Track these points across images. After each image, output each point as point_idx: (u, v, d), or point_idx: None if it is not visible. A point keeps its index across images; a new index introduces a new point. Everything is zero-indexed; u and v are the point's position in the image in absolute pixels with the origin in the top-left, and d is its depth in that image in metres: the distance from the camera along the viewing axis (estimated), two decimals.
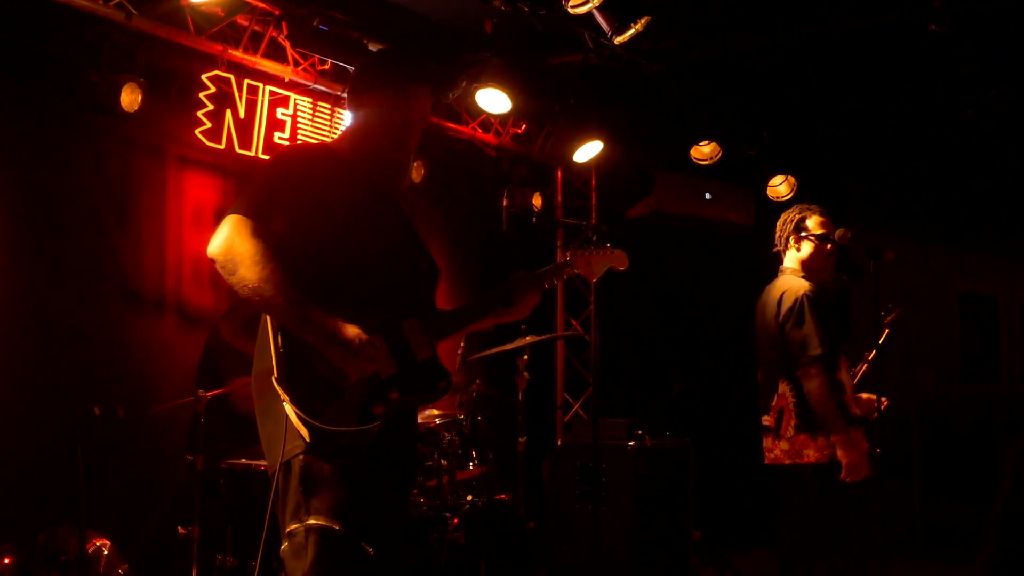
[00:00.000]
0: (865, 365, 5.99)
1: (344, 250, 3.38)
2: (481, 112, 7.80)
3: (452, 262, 8.09)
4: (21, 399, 5.60)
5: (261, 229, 3.23)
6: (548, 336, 7.97)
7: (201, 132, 6.42)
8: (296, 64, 6.86)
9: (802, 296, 5.34)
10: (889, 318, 5.92)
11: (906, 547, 9.63)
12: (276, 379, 3.21)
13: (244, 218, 3.24)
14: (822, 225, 5.54)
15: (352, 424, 3.25)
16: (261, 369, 3.36)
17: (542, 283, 3.81)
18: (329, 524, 3.24)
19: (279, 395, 3.21)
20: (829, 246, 5.50)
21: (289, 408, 3.18)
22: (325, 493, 3.26)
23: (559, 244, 9.42)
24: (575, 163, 8.78)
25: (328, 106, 7.24)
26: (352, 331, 3.24)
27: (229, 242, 3.21)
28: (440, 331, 3.55)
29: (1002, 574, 5.54)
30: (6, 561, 5.07)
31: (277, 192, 3.33)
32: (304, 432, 3.18)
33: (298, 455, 3.27)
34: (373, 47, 6.74)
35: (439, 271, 3.65)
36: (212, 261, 3.25)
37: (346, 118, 7.16)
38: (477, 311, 3.70)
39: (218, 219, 6.50)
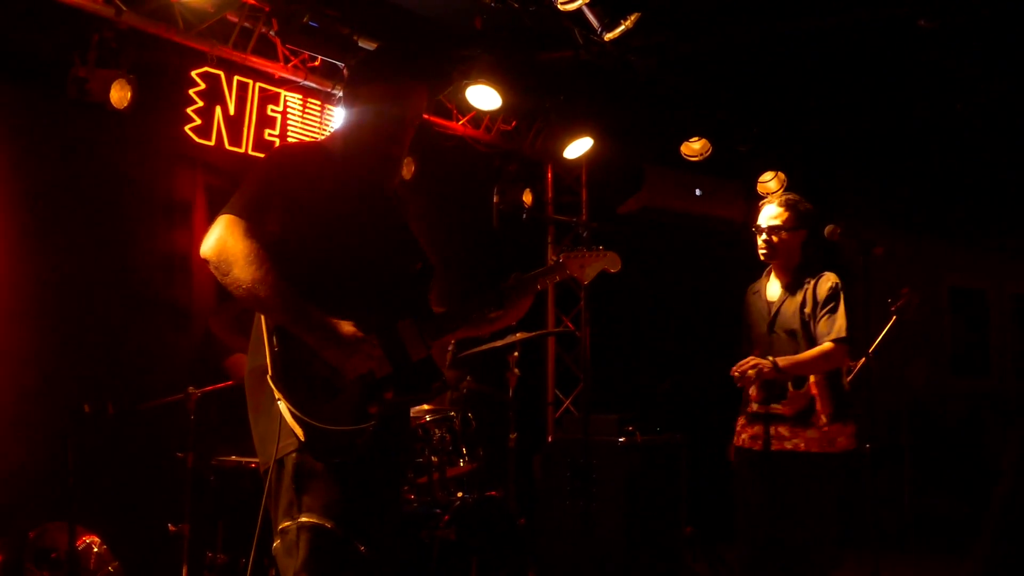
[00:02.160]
0: (863, 360, 6.02)
1: (338, 250, 3.38)
2: (471, 108, 7.80)
3: (442, 259, 8.07)
4: (11, 396, 5.59)
5: (254, 229, 3.22)
6: (539, 333, 7.98)
7: (191, 129, 6.42)
8: (286, 61, 6.86)
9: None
10: (897, 305, 5.92)
11: (896, 539, 9.66)
12: (271, 377, 3.21)
13: (237, 218, 3.23)
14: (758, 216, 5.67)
15: (347, 423, 3.25)
16: (255, 367, 3.36)
17: (535, 286, 3.82)
18: (321, 522, 3.24)
19: (273, 393, 3.21)
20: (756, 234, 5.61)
21: (284, 406, 3.18)
22: (318, 491, 3.26)
23: (550, 240, 9.43)
24: (565, 159, 8.78)
25: (318, 103, 7.23)
26: (348, 329, 3.24)
27: (222, 243, 3.20)
28: (435, 331, 3.56)
29: (999, 568, 5.55)
30: None
31: (271, 192, 3.32)
32: (299, 431, 3.18)
33: (291, 453, 3.27)
34: (363, 43, 6.73)
35: (433, 271, 3.66)
36: (205, 262, 3.24)
37: (337, 115, 7.16)
38: (471, 312, 3.71)
39: (209, 216, 6.56)
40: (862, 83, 8.53)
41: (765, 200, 5.69)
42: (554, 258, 4.02)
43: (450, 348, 6.27)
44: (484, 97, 7.46)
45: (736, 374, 5.38)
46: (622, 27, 6.13)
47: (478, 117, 8.33)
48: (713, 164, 8.80)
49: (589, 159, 9.01)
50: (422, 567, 5.45)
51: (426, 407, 5.98)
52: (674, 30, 7.30)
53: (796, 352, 5.41)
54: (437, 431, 5.89)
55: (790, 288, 5.55)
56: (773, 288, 5.63)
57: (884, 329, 6.22)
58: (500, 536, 5.94)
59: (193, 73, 6.39)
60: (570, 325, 9.47)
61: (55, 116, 5.88)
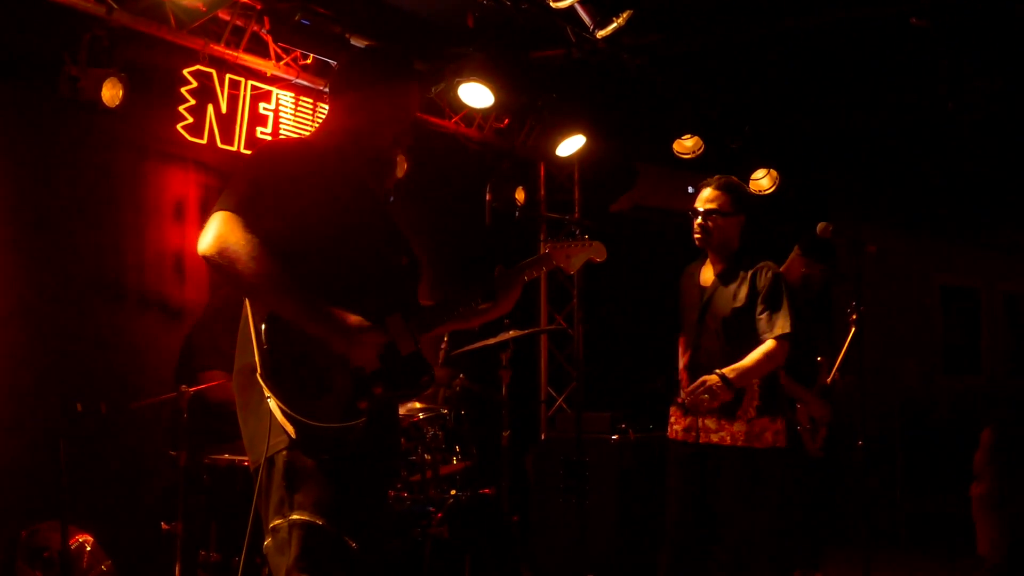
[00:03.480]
0: (836, 364, 6.11)
1: (326, 245, 3.37)
2: (463, 106, 7.80)
3: (435, 257, 8.08)
4: (3, 394, 5.58)
5: (252, 224, 3.22)
6: (532, 330, 7.98)
7: (183, 127, 6.40)
8: (278, 59, 6.84)
9: None
10: (853, 317, 5.97)
11: (889, 538, 9.67)
12: (260, 375, 3.20)
13: (233, 214, 3.21)
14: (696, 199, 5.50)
15: (337, 420, 3.25)
16: (243, 365, 3.36)
17: (522, 277, 3.82)
18: (312, 519, 3.23)
19: (263, 391, 3.20)
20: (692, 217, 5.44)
21: (274, 404, 3.18)
22: (308, 488, 3.25)
23: (542, 238, 9.42)
24: (558, 157, 8.78)
25: (310, 101, 7.22)
26: (354, 319, 3.25)
27: (223, 239, 3.18)
28: (423, 326, 3.54)
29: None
30: None
31: (262, 188, 3.30)
32: (289, 428, 3.17)
33: (282, 451, 3.27)
34: (356, 41, 6.73)
35: (420, 266, 3.65)
36: (204, 259, 3.21)
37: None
38: (458, 305, 3.70)
39: (201, 214, 6.55)
40: (854, 81, 8.54)
41: (703, 183, 5.52)
42: (543, 251, 4.01)
43: (443, 346, 6.27)
44: (476, 95, 7.46)
45: (688, 401, 5.24)
46: (614, 25, 6.13)
47: (470, 115, 8.32)
48: (706, 162, 8.80)
49: (582, 157, 9.01)
50: (415, 565, 5.45)
51: (419, 405, 5.98)
52: (667, 28, 7.30)
53: (722, 345, 5.27)
54: (430, 429, 5.88)
55: (724, 277, 5.40)
56: (707, 274, 5.49)
57: (845, 342, 6.30)
58: (493, 534, 5.94)
59: (185, 71, 6.37)
60: (563, 323, 9.47)
61: (46, 115, 5.86)
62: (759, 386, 5.23)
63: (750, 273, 5.33)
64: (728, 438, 5.22)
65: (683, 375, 5.43)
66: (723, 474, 5.22)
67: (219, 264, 3.17)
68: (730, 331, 5.28)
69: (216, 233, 3.19)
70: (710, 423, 5.26)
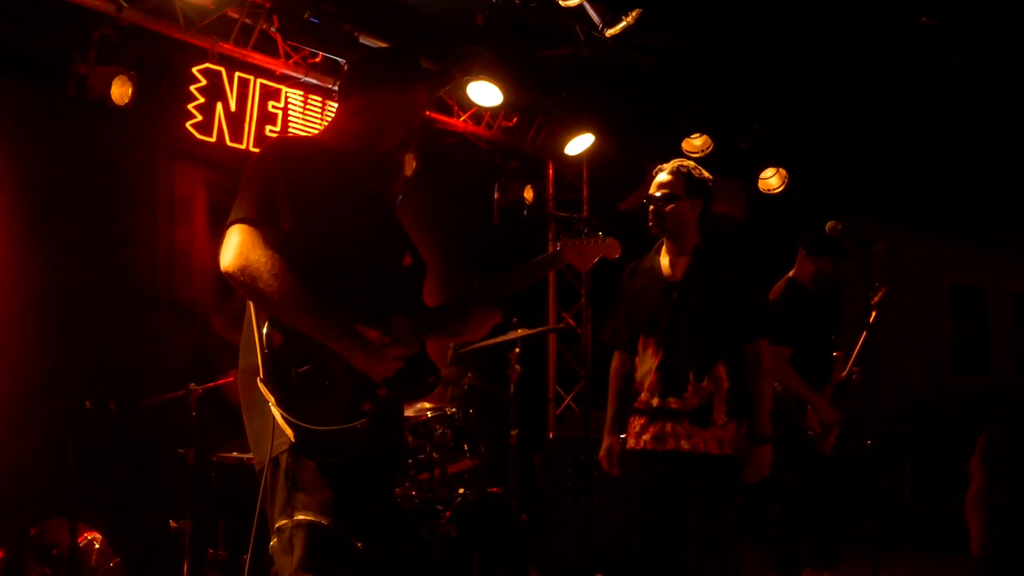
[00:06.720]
0: (853, 357, 6.06)
1: (332, 245, 3.36)
2: (472, 105, 7.80)
3: (443, 256, 8.08)
4: (12, 392, 5.59)
5: (271, 234, 3.20)
6: (540, 329, 7.98)
7: (192, 125, 6.41)
8: (287, 57, 6.85)
9: None
10: (876, 299, 5.92)
11: (896, 539, 9.66)
12: (261, 380, 3.18)
13: (252, 228, 3.20)
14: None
15: (339, 422, 3.23)
16: (247, 366, 3.34)
17: (498, 298, 3.72)
18: (317, 519, 3.23)
19: (264, 395, 3.19)
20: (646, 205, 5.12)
21: (275, 410, 3.17)
22: (312, 489, 3.25)
23: (551, 237, 9.43)
24: (566, 156, 8.77)
25: (319, 99, 7.23)
26: (374, 335, 3.24)
27: (243, 257, 3.16)
28: (426, 326, 3.53)
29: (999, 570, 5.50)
30: None
31: (275, 188, 3.28)
32: (290, 433, 3.17)
33: (285, 451, 3.26)
34: (364, 40, 6.73)
35: (425, 266, 3.63)
36: (226, 275, 3.19)
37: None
38: (459, 309, 3.67)
39: (209, 212, 6.55)
40: (863, 80, 8.53)
41: (657, 168, 5.19)
42: (553, 249, 3.99)
43: (451, 345, 6.26)
44: (485, 93, 7.46)
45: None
46: (623, 23, 6.13)
47: (479, 113, 8.32)
48: (714, 161, 8.79)
49: (590, 156, 9.00)
50: (423, 564, 5.46)
51: (427, 404, 5.98)
52: (675, 26, 7.30)
53: (699, 345, 4.90)
54: (438, 427, 5.89)
55: (696, 271, 5.02)
56: (671, 268, 5.11)
57: (869, 321, 6.27)
58: (501, 533, 5.94)
59: (194, 69, 6.38)
60: (571, 322, 9.46)
61: (56, 113, 5.87)
62: (727, 391, 4.89)
63: (727, 267, 5.02)
64: (701, 444, 4.85)
65: (652, 377, 4.97)
66: (696, 481, 4.87)
67: (241, 281, 3.15)
68: (709, 330, 4.93)
69: (237, 250, 3.17)
70: (680, 429, 4.88)
